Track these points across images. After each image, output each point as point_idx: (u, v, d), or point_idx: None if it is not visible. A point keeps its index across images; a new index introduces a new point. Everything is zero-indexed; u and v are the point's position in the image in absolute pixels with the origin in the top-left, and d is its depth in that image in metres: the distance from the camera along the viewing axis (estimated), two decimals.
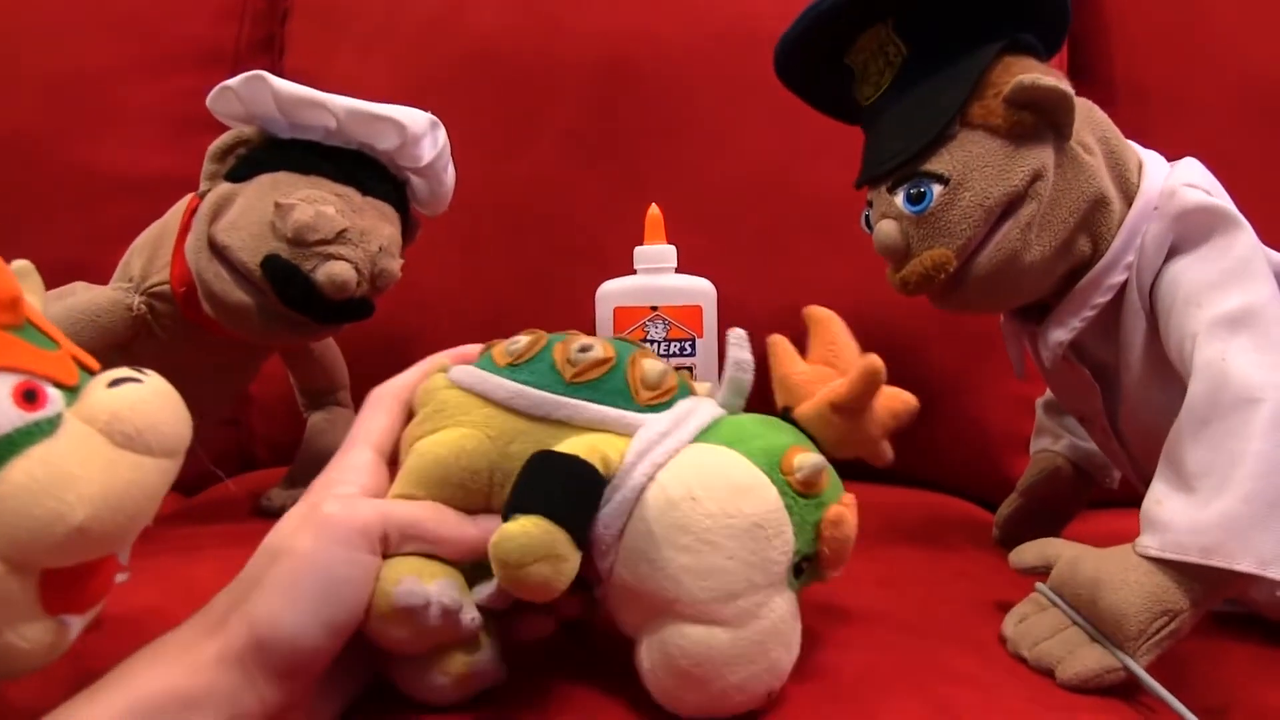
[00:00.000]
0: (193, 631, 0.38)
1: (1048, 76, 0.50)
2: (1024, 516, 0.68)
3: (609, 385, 0.43)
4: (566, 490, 0.38)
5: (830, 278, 0.82)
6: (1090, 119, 0.55)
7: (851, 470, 0.77)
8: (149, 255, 0.66)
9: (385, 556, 0.39)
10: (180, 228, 0.64)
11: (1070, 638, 0.45)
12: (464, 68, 0.90)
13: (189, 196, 0.66)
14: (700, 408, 0.43)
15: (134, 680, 0.36)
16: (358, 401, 0.78)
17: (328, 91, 0.63)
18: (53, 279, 0.84)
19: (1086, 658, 0.44)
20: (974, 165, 0.51)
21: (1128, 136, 0.57)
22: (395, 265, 0.65)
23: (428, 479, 0.42)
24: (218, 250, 0.61)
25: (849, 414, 0.45)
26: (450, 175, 0.71)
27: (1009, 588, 0.59)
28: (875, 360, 0.43)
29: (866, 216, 0.57)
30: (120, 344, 0.64)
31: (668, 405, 0.43)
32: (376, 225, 0.64)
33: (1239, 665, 0.51)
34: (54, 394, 0.35)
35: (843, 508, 0.42)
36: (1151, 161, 0.56)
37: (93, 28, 0.93)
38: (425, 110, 0.67)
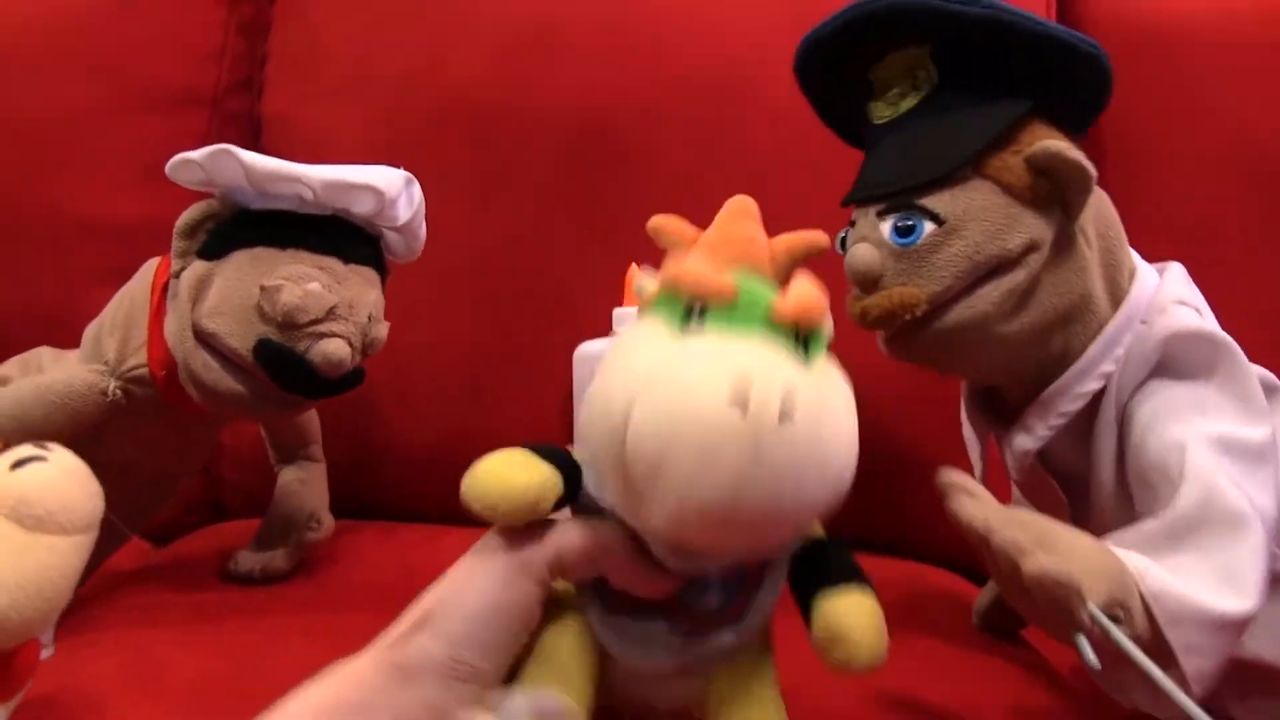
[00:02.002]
0: (366, 654, 0.38)
1: (1075, 150, 0.49)
2: (1003, 604, 0.66)
3: None
4: None
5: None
6: (1098, 211, 0.53)
7: None
8: (122, 336, 0.63)
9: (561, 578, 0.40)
10: (153, 305, 0.63)
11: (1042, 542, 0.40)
12: (439, 120, 0.90)
13: (154, 263, 0.65)
14: None
15: (304, 695, 0.36)
16: (332, 451, 0.78)
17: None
18: (24, 324, 0.85)
19: (1066, 563, 0.39)
20: (974, 215, 0.49)
21: (1115, 193, 0.56)
22: (384, 331, 0.65)
23: None
24: (204, 338, 0.59)
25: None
26: (423, 226, 0.70)
27: (982, 679, 0.58)
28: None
29: (843, 237, 0.55)
30: (90, 426, 0.62)
31: None
32: (362, 293, 0.63)
33: None
34: None
35: None
36: (1142, 270, 0.54)
37: (67, 69, 0.91)
38: (399, 165, 0.66)
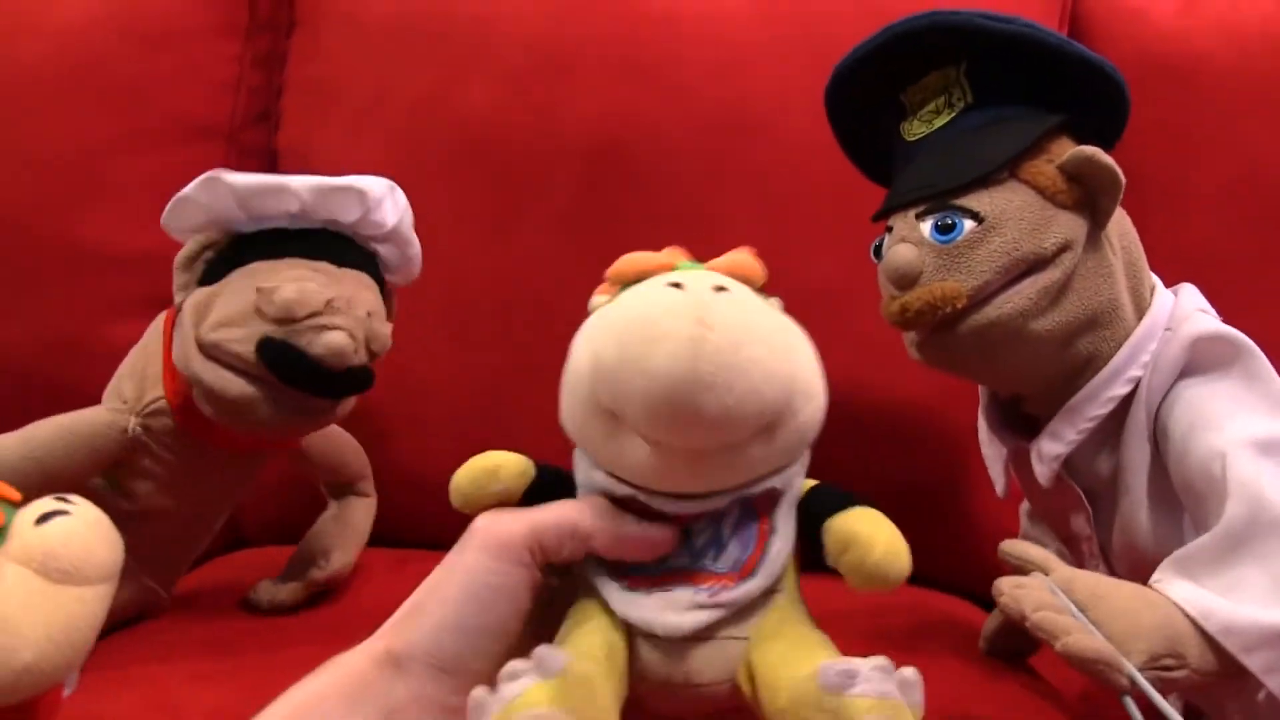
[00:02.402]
0: (361, 646, 0.39)
1: (1107, 156, 0.51)
2: (1010, 631, 0.67)
3: None
4: None
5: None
6: (1121, 226, 0.55)
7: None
8: (139, 377, 0.65)
9: (547, 563, 0.40)
10: (165, 342, 0.64)
11: (1076, 624, 0.43)
12: (455, 148, 0.90)
13: (165, 313, 0.67)
14: None
15: (298, 689, 0.37)
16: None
17: (322, 167, 0.64)
18: (46, 354, 0.86)
19: (1094, 641, 0.42)
20: (1011, 214, 0.52)
21: None
22: (386, 330, 0.65)
23: None
24: (208, 350, 0.60)
25: None
26: (415, 238, 0.71)
27: (986, 700, 0.58)
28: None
29: (878, 245, 0.57)
30: (109, 465, 0.63)
31: None
32: (358, 293, 0.64)
33: None
34: None
35: None
36: (1160, 286, 0.57)
37: (86, 103, 0.92)
38: (417, 194, 0.68)
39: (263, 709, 0.36)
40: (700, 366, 0.34)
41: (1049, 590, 0.44)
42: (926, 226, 0.53)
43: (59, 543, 0.37)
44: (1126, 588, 0.45)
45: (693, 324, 0.35)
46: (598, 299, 0.44)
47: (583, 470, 0.42)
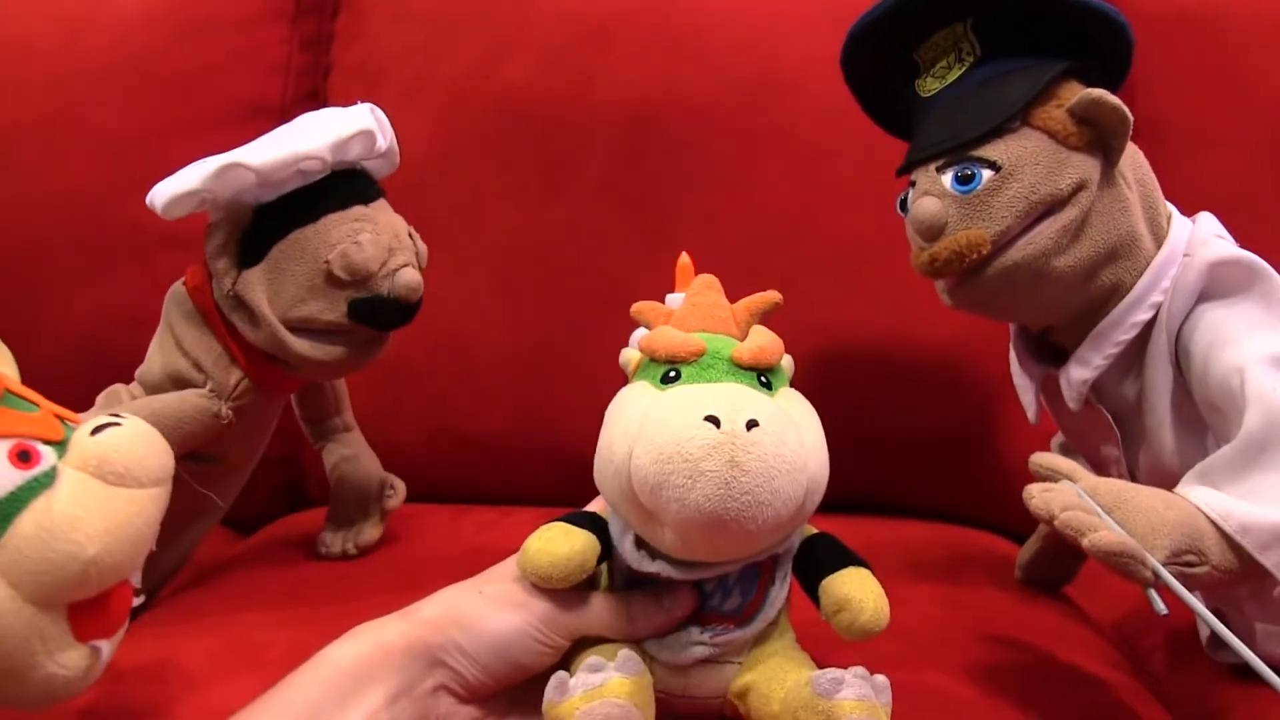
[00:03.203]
0: (387, 617, 0.46)
1: (1114, 97, 0.53)
2: (1045, 559, 0.69)
3: None
4: None
5: (851, 320, 0.84)
6: (1134, 160, 0.58)
7: (872, 506, 0.79)
8: (199, 361, 0.66)
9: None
10: (212, 323, 0.66)
11: (1101, 522, 0.45)
12: (498, 120, 0.93)
13: (177, 287, 0.69)
14: None
15: (328, 653, 0.43)
16: (405, 440, 0.82)
17: None
18: (113, 327, 0.90)
19: (1119, 536, 0.43)
20: (1026, 160, 0.54)
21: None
22: (424, 245, 0.69)
23: None
24: (297, 327, 0.64)
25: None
26: (395, 144, 0.71)
27: (1026, 629, 0.60)
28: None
29: (903, 199, 0.60)
30: (196, 447, 0.66)
31: None
32: (391, 220, 0.68)
33: None
34: (45, 450, 0.40)
35: None
36: (1177, 214, 0.58)
37: (146, 90, 0.97)
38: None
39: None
40: (731, 505, 0.40)
41: (1076, 494, 0.46)
42: (947, 178, 0.55)
43: (112, 448, 0.40)
44: (1149, 491, 0.46)
45: (727, 466, 0.40)
46: (630, 356, 0.51)
47: (616, 530, 0.48)
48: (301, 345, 0.64)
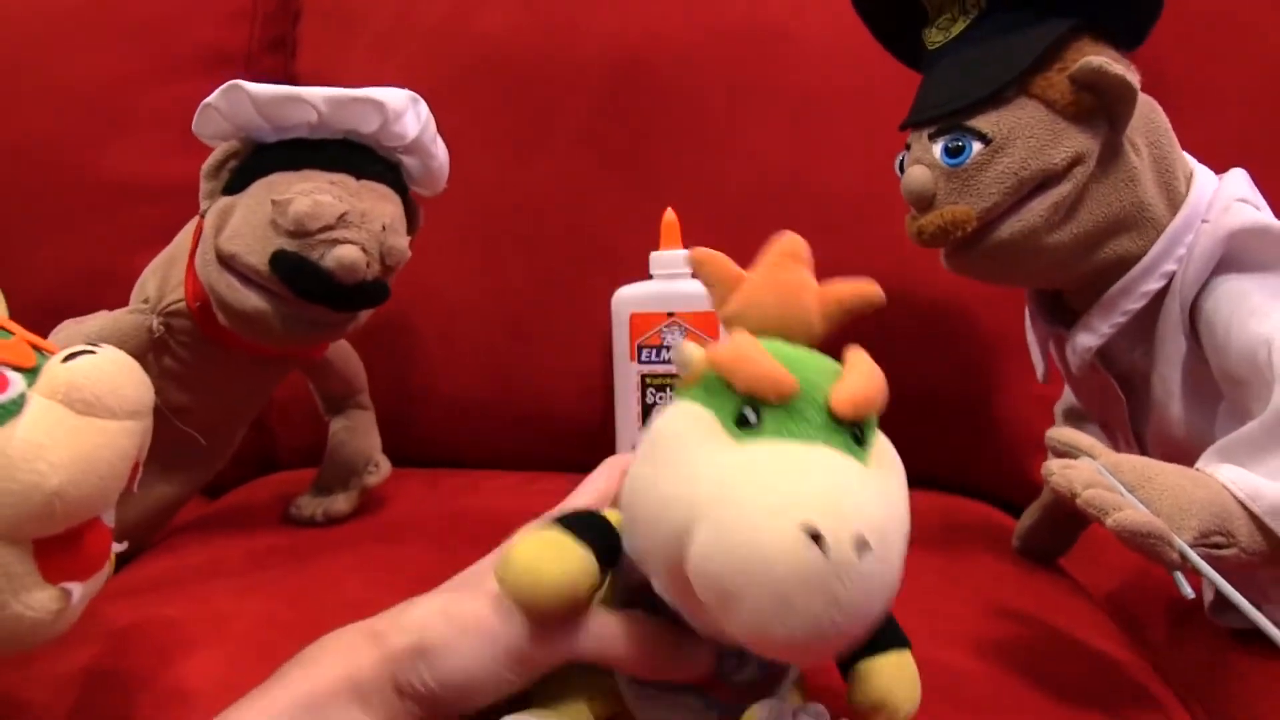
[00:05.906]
0: (357, 635, 0.39)
1: (1117, 65, 0.50)
2: (1044, 529, 0.68)
3: None
4: None
5: (843, 276, 0.82)
6: (1149, 121, 0.55)
7: None
8: (162, 276, 0.67)
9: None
10: (191, 247, 0.65)
11: (1126, 501, 0.42)
12: (475, 69, 0.90)
13: (197, 218, 0.67)
14: None
15: (305, 673, 0.38)
16: (378, 401, 0.80)
17: None
18: (74, 284, 0.87)
19: (1145, 515, 0.41)
20: (1019, 132, 0.52)
21: None
22: (403, 243, 0.65)
23: None
24: (225, 261, 0.61)
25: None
26: (441, 150, 0.71)
27: (1022, 600, 0.59)
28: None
29: (901, 159, 0.58)
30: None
31: None
32: (376, 205, 0.64)
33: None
34: (14, 377, 0.38)
35: None
36: (1201, 173, 0.55)
37: (105, 36, 0.93)
38: (437, 117, 0.67)
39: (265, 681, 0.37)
40: (816, 642, 0.31)
41: (1097, 470, 0.44)
42: (937, 149, 0.54)
43: (82, 375, 0.38)
44: (1173, 468, 0.44)
45: (824, 605, 0.30)
46: (690, 355, 0.38)
47: (625, 571, 0.39)
48: (222, 280, 0.61)
